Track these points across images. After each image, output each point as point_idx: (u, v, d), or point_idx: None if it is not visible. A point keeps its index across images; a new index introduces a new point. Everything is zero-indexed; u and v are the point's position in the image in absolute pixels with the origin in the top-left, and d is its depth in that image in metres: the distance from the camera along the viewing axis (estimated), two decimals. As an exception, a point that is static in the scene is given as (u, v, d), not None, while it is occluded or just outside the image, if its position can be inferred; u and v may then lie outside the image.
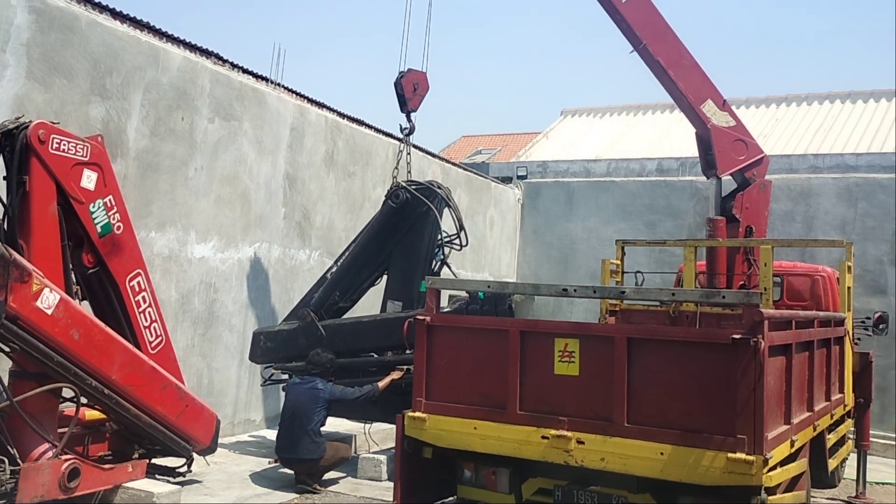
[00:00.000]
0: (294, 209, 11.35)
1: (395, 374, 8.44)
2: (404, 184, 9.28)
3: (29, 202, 6.24)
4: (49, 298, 6.02)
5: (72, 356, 6.24)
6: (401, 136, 10.16)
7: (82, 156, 6.58)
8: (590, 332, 5.87)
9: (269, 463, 8.91)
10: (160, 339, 7.42)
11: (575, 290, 5.98)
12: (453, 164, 16.12)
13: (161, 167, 9.05)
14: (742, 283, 9.93)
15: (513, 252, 18.64)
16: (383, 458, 8.59)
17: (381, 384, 8.27)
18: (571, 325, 6.17)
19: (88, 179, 6.68)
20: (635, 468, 5.50)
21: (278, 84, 11.02)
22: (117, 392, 6.67)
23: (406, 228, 9.23)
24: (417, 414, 6.35)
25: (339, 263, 9.43)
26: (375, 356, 9.04)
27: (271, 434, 10.33)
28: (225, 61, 10.12)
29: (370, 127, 13.15)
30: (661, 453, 5.35)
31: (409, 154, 9.93)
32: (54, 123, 6.40)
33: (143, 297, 7.28)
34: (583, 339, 5.80)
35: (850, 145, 17.38)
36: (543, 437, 5.83)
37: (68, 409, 6.69)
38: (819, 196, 15.64)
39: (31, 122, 6.23)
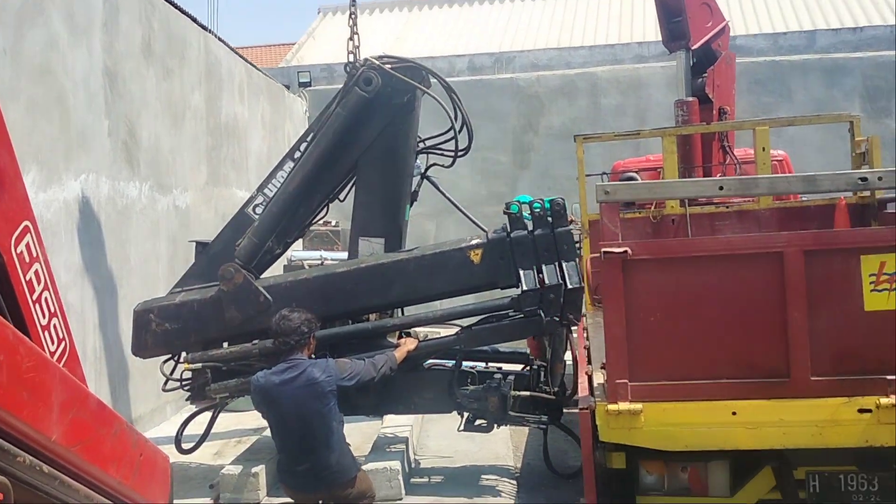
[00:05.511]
0: (118, 121, 7.64)
1: (410, 344, 5.66)
2: (376, 61, 6.21)
3: None
4: (-60, 298, 2.56)
5: (-11, 417, 2.82)
6: None
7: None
8: (928, 238, 3.83)
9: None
10: (63, 343, 4.00)
11: (880, 179, 3.86)
12: (255, 66, 12.71)
13: (-53, 46, 5.15)
14: (721, 173, 8.45)
15: (305, 175, 15.62)
16: (395, 465, 5.83)
17: (397, 355, 5.45)
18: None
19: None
20: None
21: (78, -73, 7.15)
22: (61, 464, 3.30)
23: (377, 130, 6.19)
24: (623, 406, 3.88)
25: (272, 192, 6.09)
26: (343, 326, 6.05)
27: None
28: None
29: (180, 10, 9.50)
30: None
31: (355, 17, 6.75)
32: None
33: (37, 273, 3.75)
34: (913, 253, 3.75)
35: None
36: (862, 411, 3.75)
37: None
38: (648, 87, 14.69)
39: None
